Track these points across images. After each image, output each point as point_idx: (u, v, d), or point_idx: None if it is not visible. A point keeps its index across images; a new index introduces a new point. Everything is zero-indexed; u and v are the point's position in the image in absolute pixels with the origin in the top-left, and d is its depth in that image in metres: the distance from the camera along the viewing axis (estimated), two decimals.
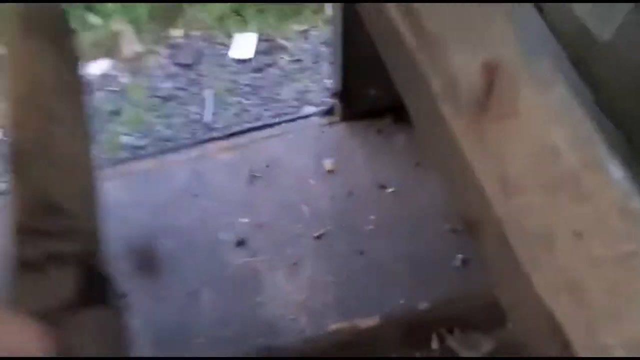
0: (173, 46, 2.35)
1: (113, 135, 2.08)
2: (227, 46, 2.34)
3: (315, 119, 1.97)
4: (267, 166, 1.82)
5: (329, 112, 1.96)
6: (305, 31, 2.39)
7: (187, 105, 2.17)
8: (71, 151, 0.52)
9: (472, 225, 0.69)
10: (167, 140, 2.06)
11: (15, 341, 0.44)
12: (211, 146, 1.90)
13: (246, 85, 2.23)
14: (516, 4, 0.76)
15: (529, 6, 0.77)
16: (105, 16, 2.33)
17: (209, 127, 2.09)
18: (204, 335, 1.52)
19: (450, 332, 1.60)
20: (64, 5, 0.67)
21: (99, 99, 2.18)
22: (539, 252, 0.59)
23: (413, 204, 1.74)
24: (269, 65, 2.29)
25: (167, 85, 2.23)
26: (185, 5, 2.40)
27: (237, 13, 2.41)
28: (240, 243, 1.68)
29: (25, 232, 0.49)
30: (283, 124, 1.97)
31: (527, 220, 0.61)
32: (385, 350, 1.57)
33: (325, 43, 2.31)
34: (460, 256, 1.64)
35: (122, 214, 1.67)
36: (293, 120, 1.99)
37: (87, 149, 0.55)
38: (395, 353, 1.58)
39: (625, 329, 0.54)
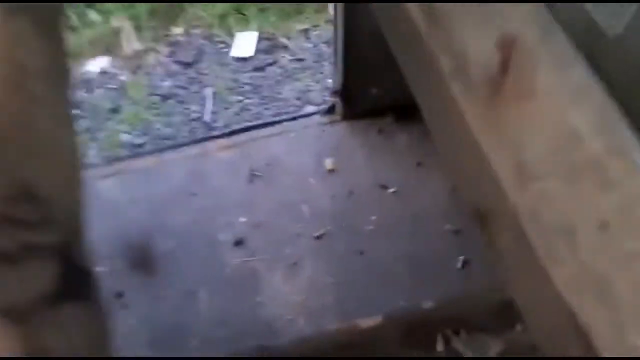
0: (173, 44, 2.32)
1: (112, 133, 2.06)
2: (228, 44, 2.32)
3: (316, 118, 1.95)
4: (267, 165, 1.80)
5: (330, 111, 1.94)
6: (307, 30, 2.37)
7: (187, 103, 2.15)
8: (53, 136, 0.49)
9: (485, 217, 0.64)
10: (167, 138, 2.04)
11: None
12: (211, 144, 1.88)
13: (247, 84, 2.21)
14: None
15: None
16: (105, 13, 2.31)
17: (208, 126, 2.07)
18: (201, 335, 1.50)
19: (457, 333, 1.56)
20: None
21: (98, 97, 2.16)
22: (560, 245, 0.54)
23: (414, 204, 1.71)
24: (270, 64, 2.26)
25: (167, 84, 2.20)
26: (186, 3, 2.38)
27: (239, 11, 2.39)
28: (239, 242, 1.65)
29: None
30: (284, 123, 1.95)
31: (546, 210, 0.55)
32: (385, 351, 1.54)
33: (327, 42, 2.29)
34: (461, 258, 1.62)
35: (119, 211, 1.65)
36: (294, 119, 1.97)
37: (71, 135, 0.52)
38: (396, 353, 1.54)
39: None
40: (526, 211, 0.56)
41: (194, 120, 2.10)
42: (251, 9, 2.38)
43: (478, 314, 1.54)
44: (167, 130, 2.07)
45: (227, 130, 1.96)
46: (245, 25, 2.36)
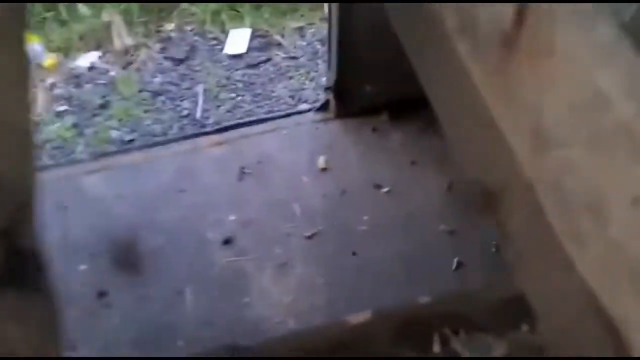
0: (165, 40, 2.28)
1: (101, 129, 2.01)
2: (221, 41, 2.28)
3: (309, 116, 1.91)
4: (259, 162, 1.76)
5: (323, 108, 1.90)
6: (301, 28, 2.33)
7: (178, 100, 2.11)
8: (3, 110, 0.44)
9: (495, 194, 0.55)
10: (157, 135, 1.99)
11: None
12: (201, 140, 1.84)
13: (240, 81, 2.17)
14: None
15: None
16: (95, 7, 2.26)
17: (200, 123, 2.02)
18: (187, 336, 1.45)
19: (456, 333, 1.47)
20: None
21: (88, 92, 2.12)
22: (584, 222, 0.46)
23: (408, 204, 1.68)
24: (264, 62, 2.23)
25: (157, 80, 2.16)
26: None
27: (232, 8, 2.35)
28: (228, 241, 1.61)
29: None
30: (276, 120, 1.91)
31: (569, 182, 0.47)
32: (376, 349, 1.48)
33: (321, 40, 2.25)
34: (456, 259, 1.58)
35: (105, 207, 1.61)
36: (287, 116, 1.93)
37: (24, 108, 0.48)
38: (390, 353, 1.48)
39: None
40: (544, 184, 0.49)
41: (184, 117, 2.05)
42: (245, 5, 2.34)
43: (478, 312, 1.46)
44: (157, 127, 2.02)
45: (218, 127, 1.92)
46: (238, 22, 2.32)
